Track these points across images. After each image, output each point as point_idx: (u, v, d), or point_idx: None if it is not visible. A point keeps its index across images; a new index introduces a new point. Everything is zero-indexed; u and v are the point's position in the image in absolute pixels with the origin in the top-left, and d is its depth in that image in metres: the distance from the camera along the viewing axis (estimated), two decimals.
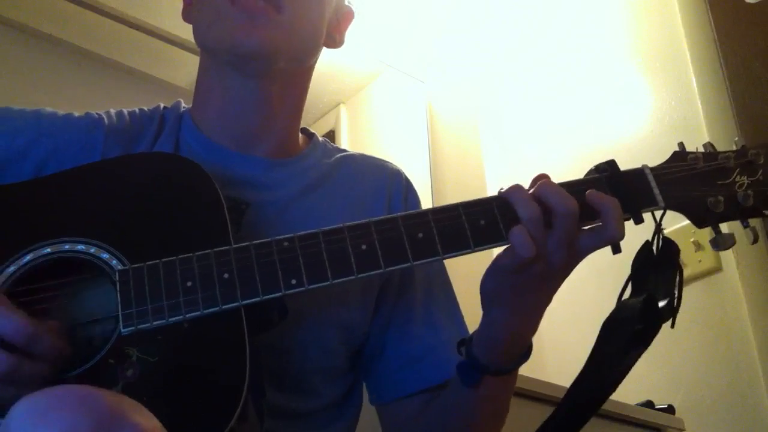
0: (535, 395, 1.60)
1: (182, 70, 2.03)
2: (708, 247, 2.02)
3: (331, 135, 2.43)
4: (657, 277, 0.81)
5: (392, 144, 2.55)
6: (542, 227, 0.75)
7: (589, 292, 2.17)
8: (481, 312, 0.84)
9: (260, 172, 0.97)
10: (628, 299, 0.82)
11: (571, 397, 0.81)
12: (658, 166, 0.83)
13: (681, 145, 0.85)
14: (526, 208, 0.75)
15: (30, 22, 1.86)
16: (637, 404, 1.87)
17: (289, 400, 0.90)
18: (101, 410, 0.51)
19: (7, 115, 0.94)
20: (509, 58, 2.81)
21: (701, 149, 0.85)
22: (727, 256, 2.01)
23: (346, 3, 1.08)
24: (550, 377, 1.87)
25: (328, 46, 1.05)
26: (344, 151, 1.09)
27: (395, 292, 1.00)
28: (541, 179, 0.79)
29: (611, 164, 0.82)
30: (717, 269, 2.02)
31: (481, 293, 0.81)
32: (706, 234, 2.21)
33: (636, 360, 0.79)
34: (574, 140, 2.46)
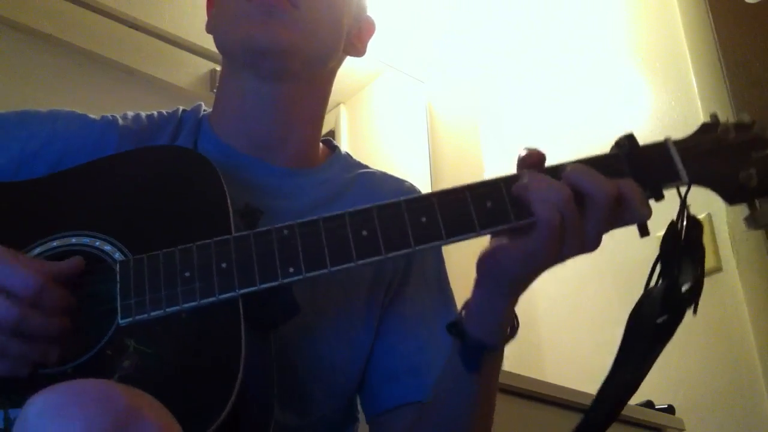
0: (535, 395, 1.60)
1: (183, 71, 2.03)
2: (708, 247, 2.03)
3: (331, 135, 2.43)
4: (683, 259, 0.75)
5: (392, 144, 2.55)
6: (575, 208, 0.70)
7: (589, 292, 2.17)
8: None
9: (277, 180, 0.96)
10: (651, 288, 0.77)
11: (602, 396, 0.76)
12: (683, 138, 0.77)
13: (714, 116, 0.78)
14: (553, 192, 0.70)
15: (30, 23, 1.87)
16: (637, 404, 1.87)
17: (291, 416, 0.89)
18: (119, 406, 0.51)
19: (23, 119, 0.94)
20: (509, 58, 2.82)
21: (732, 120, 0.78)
22: (727, 256, 2.01)
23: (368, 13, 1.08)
24: (549, 377, 1.87)
25: (350, 54, 1.05)
26: (366, 167, 1.08)
27: (386, 305, 0.98)
28: (534, 154, 0.76)
29: (630, 138, 0.76)
30: (717, 269, 2.02)
31: (490, 274, 0.77)
32: (706, 234, 2.22)
33: (660, 351, 0.74)
34: (574, 140, 2.46)
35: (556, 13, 2.69)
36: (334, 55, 1.01)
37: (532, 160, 0.76)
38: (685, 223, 0.76)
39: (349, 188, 1.02)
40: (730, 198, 0.76)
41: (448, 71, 2.80)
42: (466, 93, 2.83)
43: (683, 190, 0.76)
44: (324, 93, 1.03)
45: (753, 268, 1.98)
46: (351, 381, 0.95)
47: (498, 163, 2.70)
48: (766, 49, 2.11)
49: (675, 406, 1.93)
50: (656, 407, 1.90)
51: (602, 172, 0.73)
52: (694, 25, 2.24)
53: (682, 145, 0.76)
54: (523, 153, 0.77)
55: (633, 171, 0.74)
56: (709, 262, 2.03)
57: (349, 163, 1.07)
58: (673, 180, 0.75)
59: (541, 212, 0.70)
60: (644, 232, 0.74)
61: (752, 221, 0.75)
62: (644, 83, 2.35)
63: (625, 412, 1.73)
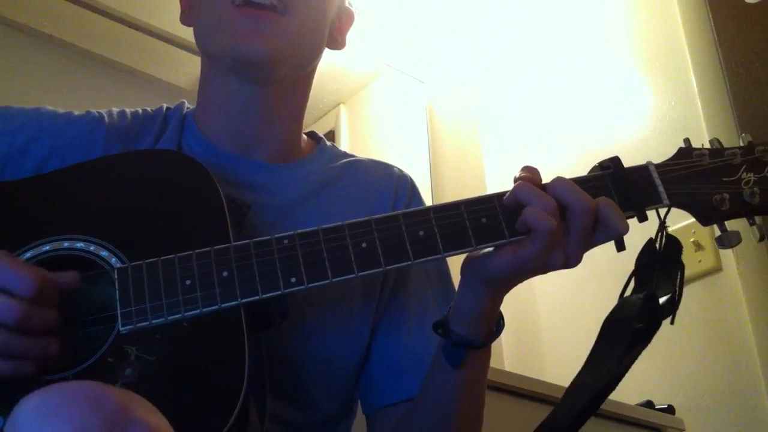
0: (535, 395, 1.60)
1: (182, 70, 2.03)
2: (708, 247, 2.02)
3: (331, 135, 2.43)
4: (660, 274, 0.81)
5: (392, 144, 2.55)
6: (559, 218, 0.74)
7: (589, 293, 2.17)
8: None
9: (262, 176, 0.96)
10: (629, 296, 0.81)
11: (570, 395, 0.81)
12: (663, 162, 0.83)
13: (687, 141, 0.84)
14: (541, 200, 0.74)
15: (30, 22, 1.87)
16: (637, 404, 1.87)
17: (288, 410, 0.89)
18: (111, 407, 0.51)
19: (7, 114, 0.94)
20: (509, 58, 2.81)
21: (707, 145, 0.84)
22: (727, 256, 2.01)
23: (347, 4, 1.08)
24: (549, 377, 1.87)
25: (331, 48, 1.04)
26: (352, 156, 1.08)
27: (386, 298, 0.98)
28: (528, 171, 0.79)
29: (615, 161, 0.81)
30: (717, 269, 2.02)
31: (475, 275, 0.79)
32: (706, 234, 2.21)
33: (636, 357, 0.79)
34: (574, 140, 2.46)
35: (555, 13, 2.68)
36: (319, 56, 1.01)
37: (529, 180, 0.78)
38: (664, 241, 0.82)
39: (336, 178, 1.02)
40: (704, 220, 0.81)
41: (448, 71, 2.80)
42: (466, 93, 2.82)
43: (662, 211, 0.81)
44: (306, 88, 1.02)
45: (753, 268, 1.97)
46: (348, 374, 0.96)
47: (498, 163, 2.69)
48: (766, 49, 2.11)
49: (675, 406, 1.93)
50: (656, 407, 1.90)
51: (588, 192, 0.76)
52: (694, 25, 2.24)
53: (662, 169, 0.81)
54: (520, 174, 0.80)
55: (617, 192, 0.79)
56: (709, 262, 2.03)
57: (334, 153, 1.07)
58: (655, 202, 0.80)
59: (537, 221, 0.73)
60: (621, 246, 0.78)
61: (721, 242, 0.81)
62: (644, 83, 2.35)
63: (625, 412, 1.75)
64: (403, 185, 1.06)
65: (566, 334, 2.28)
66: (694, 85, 2.19)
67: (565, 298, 2.28)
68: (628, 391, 1.92)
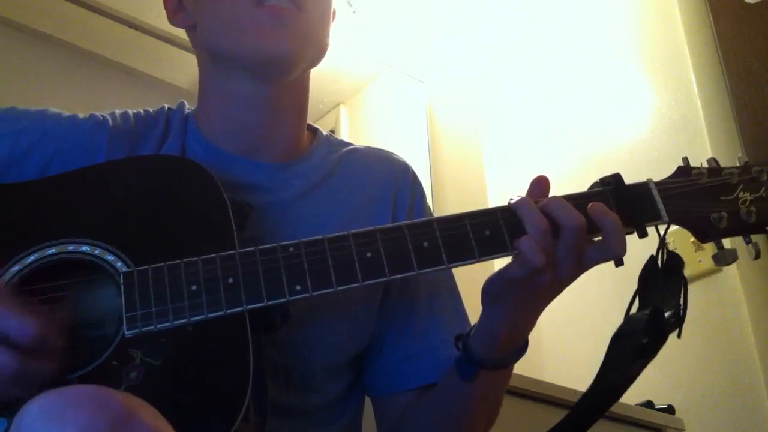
0: (535, 395, 1.60)
1: (182, 70, 2.03)
2: (708, 248, 2.02)
3: None
4: (663, 289, 0.82)
5: (392, 144, 2.54)
6: (550, 239, 0.75)
7: (589, 294, 2.18)
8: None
9: (266, 176, 0.96)
10: (635, 314, 0.83)
11: (581, 404, 0.82)
12: (663, 180, 0.85)
13: (685, 159, 0.86)
14: (534, 221, 0.76)
15: (30, 22, 1.87)
16: (637, 404, 1.87)
17: (291, 397, 0.90)
18: (116, 409, 0.52)
19: (11, 116, 0.93)
20: (509, 59, 2.82)
21: (705, 164, 0.86)
22: None
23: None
24: (549, 378, 1.87)
25: None
26: (349, 144, 1.08)
27: (398, 288, 1.00)
28: (540, 181, 0.81)
29: (616, 178, 0.83)
30: (717, 269, 2.02)
31: (482, 293, 0.82)
32: None
33: (641, 370, 0.80)
34: (574, 140, 2.46)
35: (556, 13, 2.69)
36: (324, 54, 1.01)
37: (538, 191, 0.81)
38: (666, 258, 0.84)
39: (334, 171, 1.02)
40: (702, 237, 0.84)
41: (448, 71, 2.80)
42: (466, 93, 2.83)
43: (661, 227, 0.83)
44: (307, 86, 1.03)
45: (753, 268, 1.98)
46: (351, 357, 0.97)
47: (498, 163, 2.70)
48: (766, 49, 2.11)
49: (675, 406, 1.93)
50: (656, 407, 1.90)
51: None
52: (694, 25, 2.24)
53: (662, 186, 0.83)
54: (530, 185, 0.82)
55: (618, 208, 0.80)
56: (709, 263, 2.03)
57: (332, 143, 1.07)
58: (655, 219, 0.82)
59: (527, 254, 0.75)
60: (619, 262, 0.79)
61: (719, 259, 0.84)
62: (644, 83, 2.35)
63: (625, 412, 1.75)
64: (405, 176, 1.06)
65: (566, 336, 2.28)
66: (694, 85, 2.20)
67: (565, 299, 2.28)
68: (628, 391, 1.92)
